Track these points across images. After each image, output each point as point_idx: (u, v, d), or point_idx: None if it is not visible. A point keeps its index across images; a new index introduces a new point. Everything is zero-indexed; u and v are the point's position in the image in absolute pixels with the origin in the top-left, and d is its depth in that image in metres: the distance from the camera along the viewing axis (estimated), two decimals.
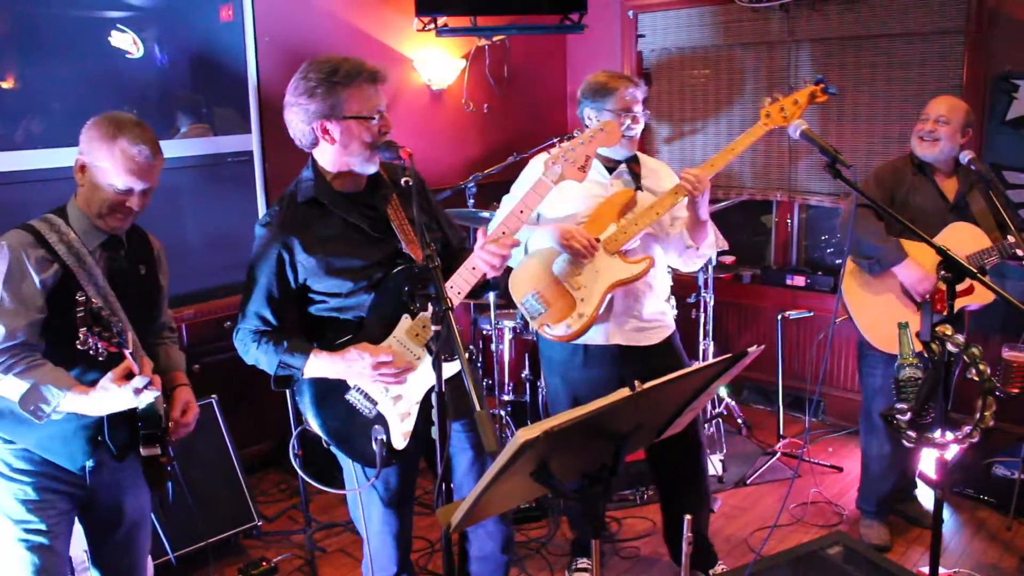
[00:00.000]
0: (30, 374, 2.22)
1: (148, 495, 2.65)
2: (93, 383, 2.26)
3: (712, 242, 3.29)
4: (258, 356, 2.52)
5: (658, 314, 3.35)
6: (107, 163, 2.30)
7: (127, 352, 2.20)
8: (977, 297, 3.58)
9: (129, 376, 2.23)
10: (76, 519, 2.52)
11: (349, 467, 2.65)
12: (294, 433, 2.83)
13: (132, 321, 2.43)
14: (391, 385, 2.51)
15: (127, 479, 2.54)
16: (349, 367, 2.45)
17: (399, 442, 2.52)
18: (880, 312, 3.65)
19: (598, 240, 3.12)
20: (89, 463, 2.41)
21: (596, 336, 3.23)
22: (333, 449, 2.64)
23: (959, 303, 3.48)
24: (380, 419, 2.52)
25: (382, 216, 2.54)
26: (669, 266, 3.46)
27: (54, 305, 2.30)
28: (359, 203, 2.54)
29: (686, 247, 3.27)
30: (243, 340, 2.54)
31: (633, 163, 3.30)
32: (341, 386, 2.52)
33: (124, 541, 2.63)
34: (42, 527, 2.38)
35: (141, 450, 2.42)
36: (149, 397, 2.28)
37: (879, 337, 3.65)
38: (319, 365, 2.47)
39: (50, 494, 2.40)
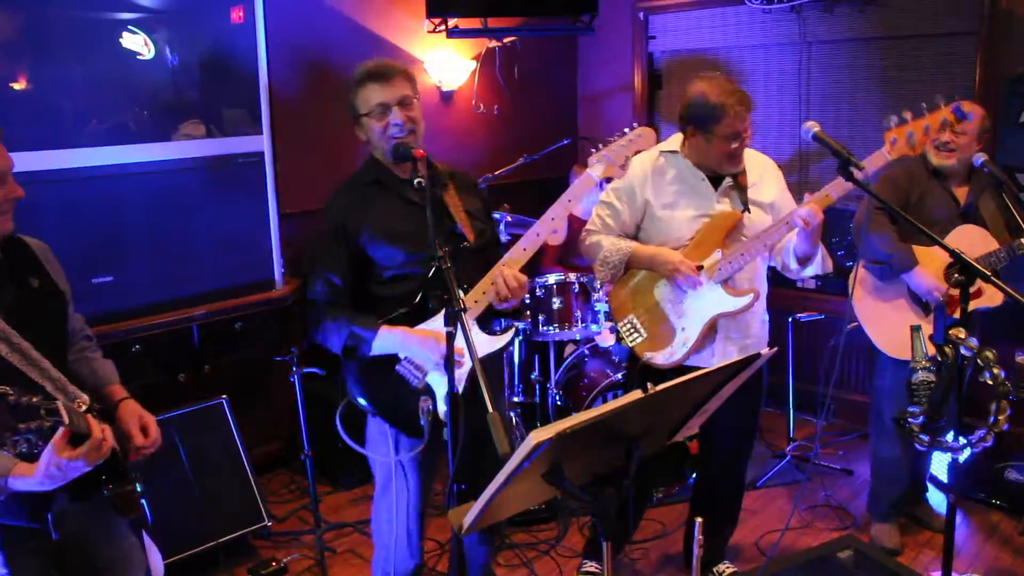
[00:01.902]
0: None
1: (124, 524, 2.42)
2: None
3: (819, 264, 3.15)
4: (328, 329, 2.62)
5: (761, 327, 3.29)
6: None
7: (64, 422, 1.92)
8: (986, 300, 3.56)
9: (75, 442, 1.95)
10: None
11: (387, 438, 2.72)
12: (339, 408, 2.79)
13: (52, 348, 2.16)
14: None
15: (96, 517, 2.31)
16: (423, 345, 2.55)
17: (444, 412, 2.54)
18: (890, 319, 3.64)
19: (701, 268, 3.05)
20: (49, 514, 2.16)
21: (704, 359, 3.15)
22: (370, 431, 2.79)
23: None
24: (428, 389, 2.61)
25: (438, 198, 2.70)
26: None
27: None
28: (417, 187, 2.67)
29: (791, 266, 3.17)
30: (315, 313, 2.66)
31: (740, 175, 3.16)
32: (391, 358, 2.61)
33: None
34: None
35: (105, 492, 2.20)
36: (101, 457, 2.03)
37: (890, 344, 3.64)
38: (389, 338, 2.57)
39: (21, 556, 2.17)
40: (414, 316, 2.62)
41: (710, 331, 3.12)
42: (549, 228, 2.69)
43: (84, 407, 2.12)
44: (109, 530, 2.37)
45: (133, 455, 2.31)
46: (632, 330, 3.14)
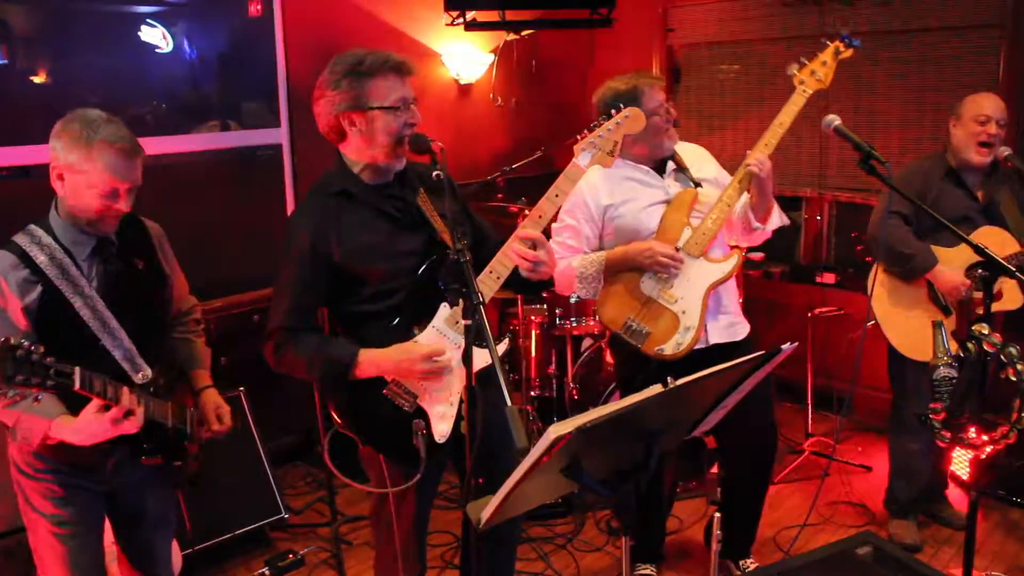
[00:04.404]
0: (14, 407, 2.18)
1: (170, 495, 2.71)
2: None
3: (777, 217, 3.24)
4: (298, 358, 2.43)
5: (738, 307, 3.31)
6: (86, 168, 2.20)
7: (78, 388, 2.08)
8: (1007, 303, 3.53)
9: (108, 407, 2.16)
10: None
11: (381, 467, 2.59)
12: (327, 436, 2.69)
13: (136, 324, 2.37)
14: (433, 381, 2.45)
15: (147, 475, 2.51)
16: (398, 364, 2.39)
17: (440, 434, 2.46)
18: (910, 322, 3.62)
19: (678, 249, 3.05)
20: (110, 462, 2.43)
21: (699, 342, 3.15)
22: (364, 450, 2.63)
23: None
24: (420, 412, 2.46)
25: (413, 206, 2.52)
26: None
27: (45, 325, 2.24)
28: (388, 194, 2.51)
29: (753, 228, 3.20)
30: (280, 343, 2.44)
31: (675, 156, 3.23)
32: (377, 382, 2.45)
33: (146, 537, 2.63)
34: (73, 519, 2.41)
35: (143, 460, 2.41)
36: (130, 428, 2.21)
37: (908, 345, 3.62)
38: (368, 361, 2.40)
39: (75, 489, 2.41)
40: (405, 326, 2.46)
41: (706, 309, 3.12)
42: (540, 227, 2.45)
43: (145, 380, 2.36)
44: (157, 490, 2.60)
45: (207, 433, 2.60)
46: (634, 332, 3.09)
